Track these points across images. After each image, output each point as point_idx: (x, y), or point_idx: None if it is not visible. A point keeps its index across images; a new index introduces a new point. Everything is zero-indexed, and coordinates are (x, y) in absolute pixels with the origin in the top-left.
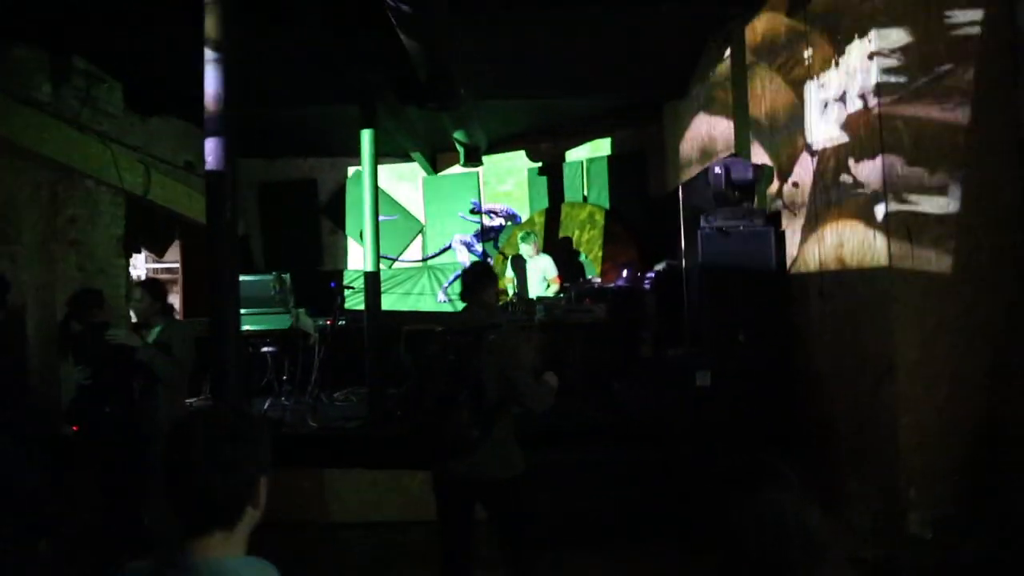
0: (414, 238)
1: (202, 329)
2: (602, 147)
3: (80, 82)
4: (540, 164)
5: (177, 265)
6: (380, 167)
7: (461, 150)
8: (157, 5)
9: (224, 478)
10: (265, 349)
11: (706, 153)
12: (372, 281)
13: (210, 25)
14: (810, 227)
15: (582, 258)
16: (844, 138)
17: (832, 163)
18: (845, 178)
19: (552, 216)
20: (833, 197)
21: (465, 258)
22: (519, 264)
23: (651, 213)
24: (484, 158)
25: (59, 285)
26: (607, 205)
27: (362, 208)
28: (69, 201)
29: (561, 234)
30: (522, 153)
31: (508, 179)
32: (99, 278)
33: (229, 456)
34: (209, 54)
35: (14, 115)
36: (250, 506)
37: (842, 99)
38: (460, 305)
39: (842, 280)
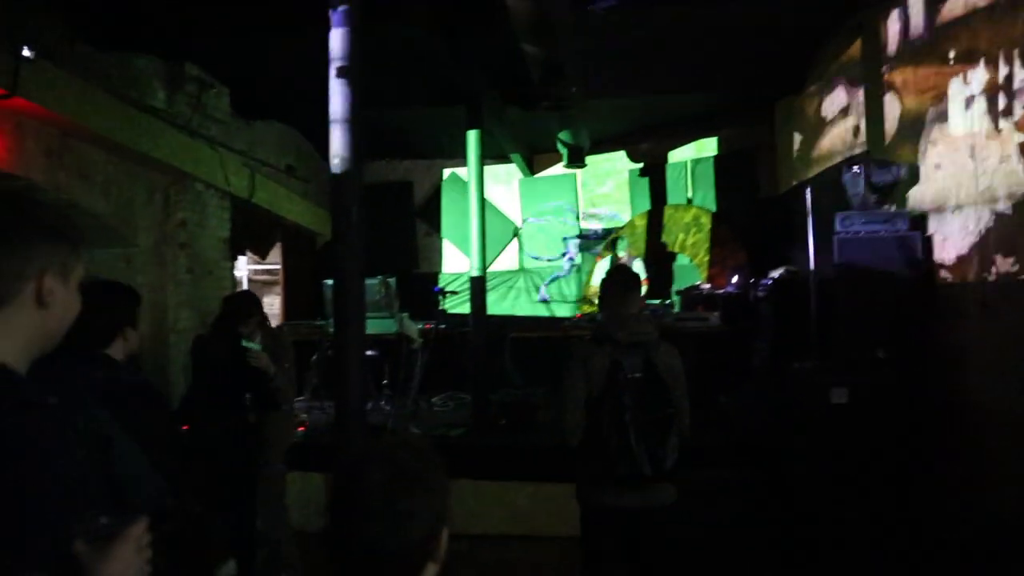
0: (509, 241)
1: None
2: (708, 147)
3: (192, 88)
4: (641, 165)
5: (278, 267)
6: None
7: (565, 151)
8: (275, 9)
9: (402, 532)
10: (368, 353)
11: (829, 152)
12: (478, 285)
13: (336, 35)
14: (966, 231)
15: (685, 261)
16: (1011, 131)
17: (995, 158)
18: (1014, 174)
19: (654, 219)
20: (1000, 193)
21: (565, 264)
22: (612, 269)
23: (761, 216)
24: (588, 160)
25: (170, 287)
26: (714, 207)
27: (457, 210)
28: (180, 204)
29: (664, 237)
30: (622, 154)
31: (607, 180)
32: (207, 280)
33: (407, 506)
34: (336, 55)
35: (134, 122)
36: (431, 562)
37: (1006, 88)
38: (560, 307)
39: (1011, 293)
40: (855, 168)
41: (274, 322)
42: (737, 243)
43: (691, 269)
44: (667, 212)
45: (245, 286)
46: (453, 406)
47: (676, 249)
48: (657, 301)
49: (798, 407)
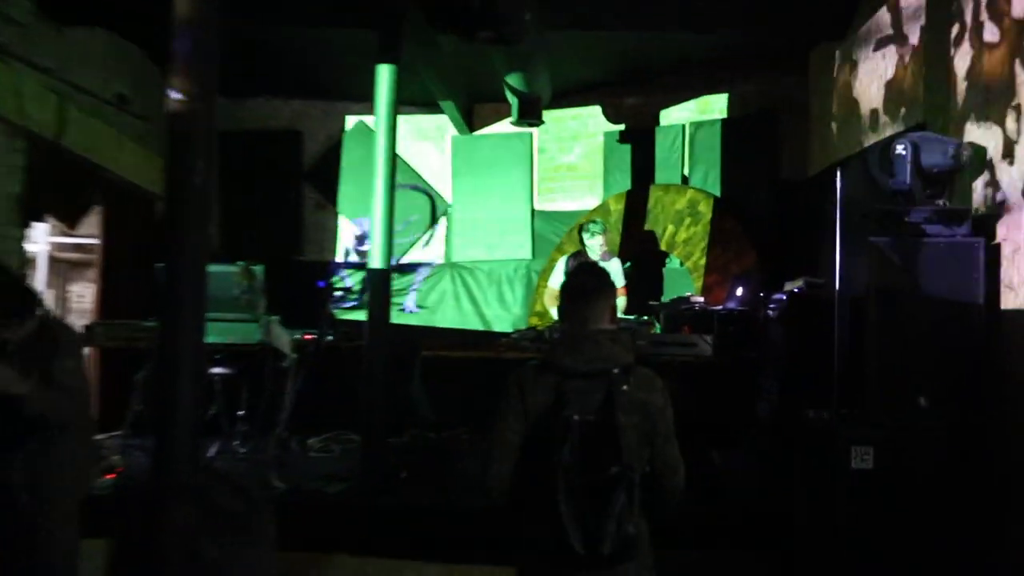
0: (435, 223)
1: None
2: (714, 106)
3: None
4: (622, 127)
5: (96, 242)
6: (397, 119)
7: (515, 101)
8: None
9: None
10: (216, 370)
11: (875, 123)
12: (379, 282)
13: None
14: None
15: (675, 264)
16: None
17: None
18: None
19: (636, 203)
20: None
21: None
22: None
23: (782, 206)
24: (544, 114)
25: None
26: (717, 191)
27: (363, 174)
28: None
29: (649, 227)
30: (597, 110)
31: (574, 146)
32: None
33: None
34: None
35: None
36: None
37: None
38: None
39: None
40: (900, 146)
41: (80, 320)
42: (746, 242)
43: (681, 275)
44: (654, 194)
45: (43, 268)
46: (338, 451)
47: (664, 246)
48: (632, 317)
49: (811, 471)
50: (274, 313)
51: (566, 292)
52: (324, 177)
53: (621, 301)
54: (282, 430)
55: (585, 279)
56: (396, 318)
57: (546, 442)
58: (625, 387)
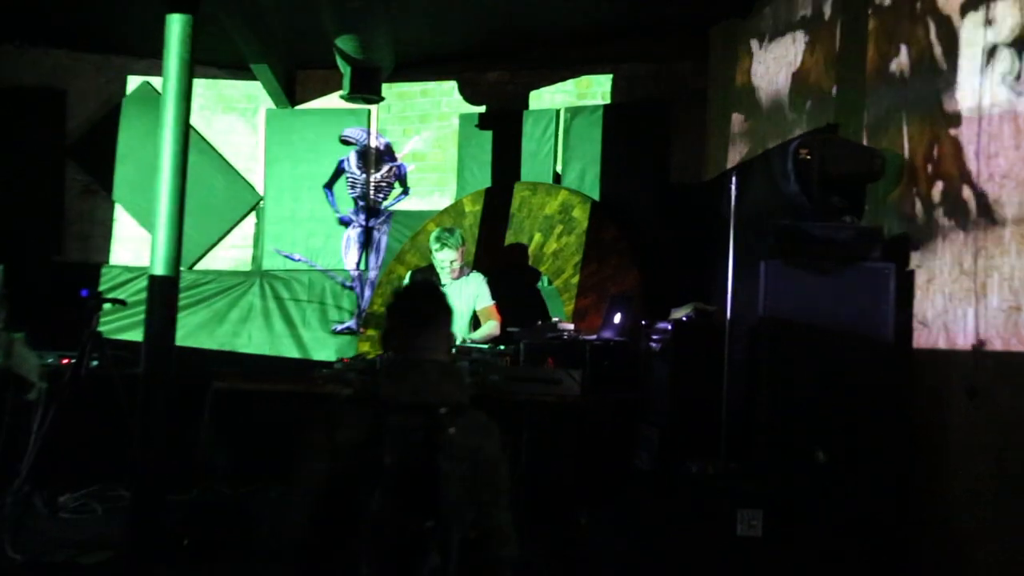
0: (242, 217)
1: None
2: (595, 90)
3: None
4: (482, 109)
5: None
6: (195, 82)
7: (347, 70)
8: None
9: None
10: None
11: (781, 120)
12: (161, 292)
13: None
14: (960, 268)
15: (542, 284)
16: None
17: (1012, 151)
18: None
19: (496, 205)
20: (1010, 215)
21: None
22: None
23: (672, 215)
24: (385, 88)
25: None
26: (596, 193)
27: (147, 151)
28: None
29: (509, 238)
30: (452, 86)
31: (422, 129)
32: None
33: None
34: None
35: None
36: None
37: None
38: (320, 344)
39: (1017, 371)
40: (804, 151)
41: None
42: (628, 257)
43: (550, 296)
44: (519, 194)
45: None
46: (100, 510)
47: (530, 260)
48: (486, 347)
49: (691, 537)
50: (17, 329)
51: (395, 314)
52: (95, 153)
53: (491, 325)
54: (23, 482)
55: (420, 302)
56: (198, 340)
57: (353, 487)
58: (452, 430)
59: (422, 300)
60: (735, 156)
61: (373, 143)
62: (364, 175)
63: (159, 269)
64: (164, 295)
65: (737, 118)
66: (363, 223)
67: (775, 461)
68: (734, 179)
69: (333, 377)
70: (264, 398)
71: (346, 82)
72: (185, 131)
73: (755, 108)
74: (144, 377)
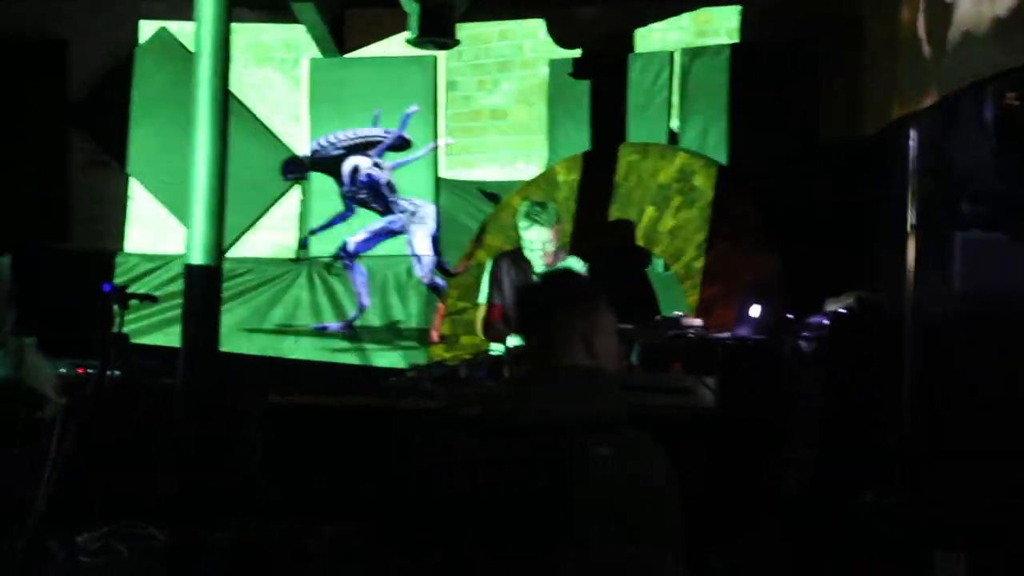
0: (284, 193)
1: None
2: (718, 25)
3: None
4: (577, 53)
5: None
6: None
7: (413, 8)
8: None
9: None
10: None
11: (970, 57)
12: (202, 285)
13: None
14: None
15: (657, 267)
16: None
17: None
18: None
19: (596, 173)
20: None
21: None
22: (515, 273)
23: (824, 182)
24: (460, 29)
25: None
26: (723, 156)
27: (169, 113)
28: None
29: (614, 213)
30: (539, 25)
31: (502, 80)
32: None
33: None
34: None
35: None
36: None
37: None
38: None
39: None
40: (1009, 96)
41: None
42: (765, 236)
43: (667, 284)
44: (626, 159)
45: None
46: (127, 552)
47: (641, 240)
48: None
49: None
50: (27, 334)
51: (522, 310)
52: (104, 116)
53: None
54: (38, 517)
55: (549, 288)
56: (234, 344)
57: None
58: (602, 449)
59: (551, 286)
60: (904, 104)
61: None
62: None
63: (198, 257)
64: (205, 289)
65: (907, 55)
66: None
67: (977, 490)
68: (913, 132)
69: (405, 387)
70: (323, 415)
71: (413, 23)
72: (224, 86)
73: (933, 41)
74: (182, 390)
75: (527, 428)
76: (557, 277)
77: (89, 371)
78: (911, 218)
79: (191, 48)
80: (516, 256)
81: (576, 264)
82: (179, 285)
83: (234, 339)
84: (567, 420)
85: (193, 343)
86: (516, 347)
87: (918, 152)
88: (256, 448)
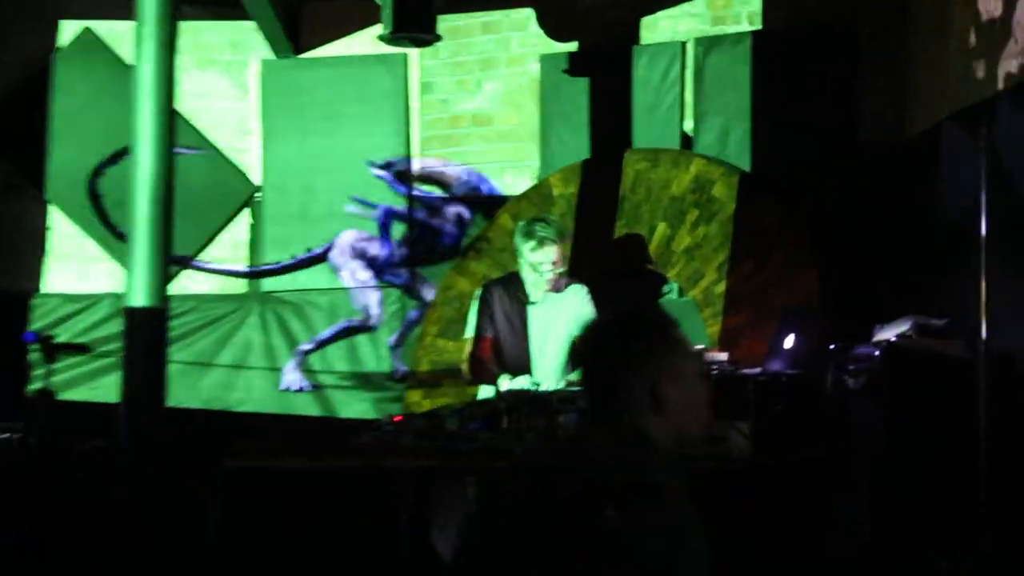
0: (231, 217)
1: None
2: (737, 9)
3: None
4: (572, 47)
5: None
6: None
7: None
8: None
9: None
10: None
11: None
12: (144, 330)
13: None
14: None
15: (671, 295)
16: None
17: None
18: None
19: (598, 184)
20: None
21: (358, 280)
22: (509, 302)
23: (866, 189)
24: (440, 23)
25: None
26: (745, 163)
27: (96, 127)
28: None
29: (620, 230)
30: (528, 16)
31: (485, 81)
32: None
33: None
34: None
35: None
36: None
37: None
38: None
39: None
40: None
41: None
42: (799, 253)
43: (685, 311)
44: (632, 167)
45: None
46: None
47: (653, 260)
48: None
49: None
50: None
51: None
52: (16, 133)
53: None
54: None
55: (612, 323)
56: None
57: None
58: (610, 513)
59: (611, 332)
60: (960, 100)
61: None
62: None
63: (139, 298)
64: (149, 335)
65: (958, 44)
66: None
67: None
68: (985, 130)
69: (385, 444)
70: (293, 480)
71: (386, 14)
72: (170, 96)
73: (992, 29)
74: (125, 452)
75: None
76: (631, 317)
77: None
78: (983, 226)
79: (120, 51)
80: (508, 283)
81: (580, 292)
82: (108, 330)
83: (175, 389)
84: (592, 480)
85: (135, 398)
86: (510, 390)
87: (988, 152)
88: (213, 521)
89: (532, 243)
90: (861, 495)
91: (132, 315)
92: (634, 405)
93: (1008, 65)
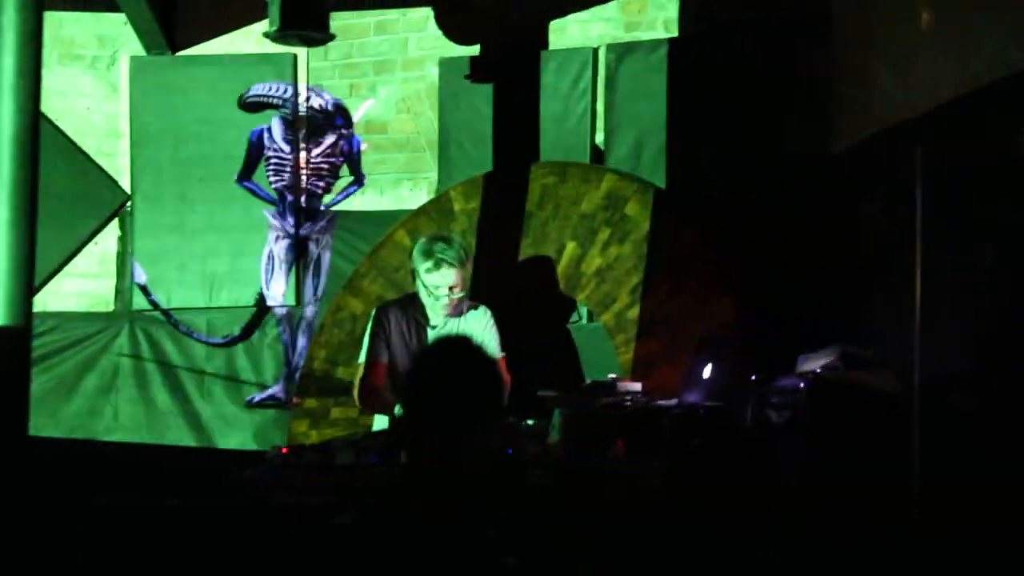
0: (99, 228)
1: None
2: (652, 14)
3: None
4: (474, 50)
5: None
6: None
7: None
8: None
9: None
10: None
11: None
12: (7, 354)
13: None
14: None
15: (579, 321)
16: None
17: None
18: None
19: (501, 199)
20: None
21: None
22: (407, 325)
23: (788, 205)
24: (332, 20)
25: None
26: (659, 178)
27: None
28: None
29: (526, 250)
30: (426, 16)
31: (379, 85)
32: None
33: None
34: None
35: None
36: None
37: None
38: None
39: None
40: None
41: None
42: (718, 276)
43: (594, 339)
44: (539, 181)
45: None
46: None
47: (561, 283)
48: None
49: None
50: None
51: (416, 390)
52: None
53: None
54: None
55: (461, 368)
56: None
57: None
58: (510, 560)
59: (461, 365)
60: (892, 113)
61: (306, 101)
62: (295, 153)
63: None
64: (10, 358)
65: (892, 51)
66: (291, 230)
67: None
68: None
69: (269, 479)
70: (172, 522)
71: (274, 10)
72: (35, 96)
73: (930, 34)
74: None
75: (434, 532)
76: (471, 353)
77: None
78: (919, 248)
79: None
80: (406, 305)
81: (483, 316)
82: None
83: (33, 417)
84: (477, 519)
85: None
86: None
87: (923, 172)
88: (80, 569)
89: (429, 263)
90: (786, 539)
91: None
92: (489, 433)
93: (934, 84)
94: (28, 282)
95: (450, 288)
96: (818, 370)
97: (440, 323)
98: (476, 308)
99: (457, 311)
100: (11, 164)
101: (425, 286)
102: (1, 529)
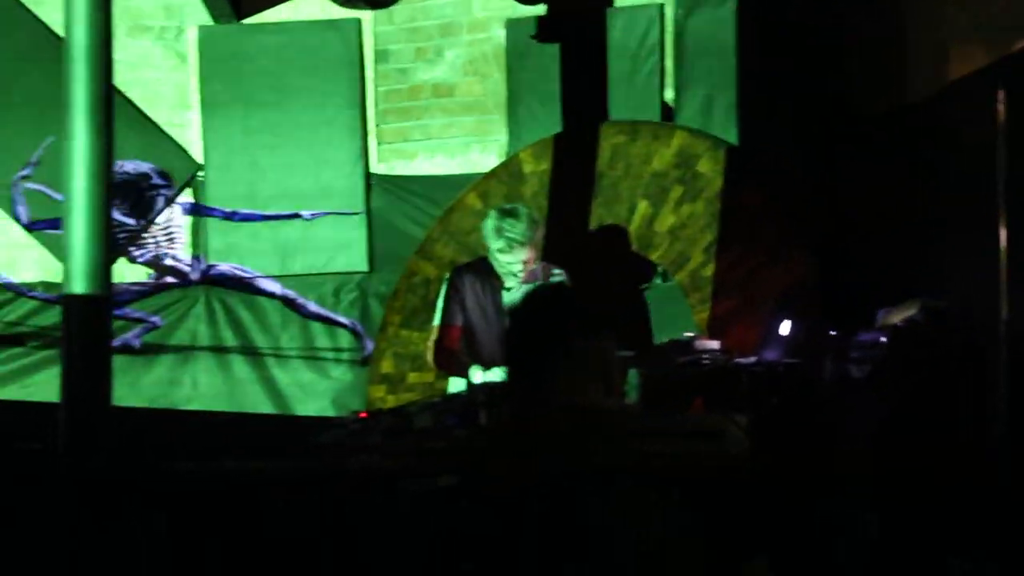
0: (174, 195)
1: None
2: None
3: None
4: (540, 9)
5: None
6: None
7: None
8: None
9: None
10: None
11: None
12: (88, 321)
13: None
14: None
15: (654, 281)
16: None
17: None
18: None
19: (571, 160)
20: None
21: None
22: (482, 289)
23: (862, 163)
24: None
25: None
26: (731, 135)
27: (14, 97)
28: None
29: (597, 211)
30: None
31: (446, 48)
32: None
33: None
34: None
35: None
36: None
37: None
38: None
39: None
40: None
41: None
42: (793, 234)
43: (668, 298)
44: (609, 141)
45: None
46: None
47: (634, 242)
48: None
49: None
50: None
51: (511, 344)
52: None
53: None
54: None
55: (554, 311)
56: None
57: None
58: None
59: (545, 317)
60: (964, 62)
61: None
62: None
63: (79, 285)
64: (91, 325)
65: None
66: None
67: None
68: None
69: (350, 444)
70: (247, 488)
71: None
72: (108, 65)
73: None
74: (63, 460)
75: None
76: (562, 297)
77: None
78: (1001, 200)
79: (35, 10)
80: (480, 268)
81: (559, 278)
82: (39, 322)
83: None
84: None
85: (76, 396)
86: (485, 383)
87: (1007, 114)
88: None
89: (500, 243)
90: (866, 495)
91: (71, 304)
92: (591, 392)
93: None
94: (105, 251)
95: (523, 263)
96: (899, 323)
97: (515, 285)
98: (552, 274)
99: (532, 277)
100: (86, 135)
101: (494, 259)
102: (90, 494)
